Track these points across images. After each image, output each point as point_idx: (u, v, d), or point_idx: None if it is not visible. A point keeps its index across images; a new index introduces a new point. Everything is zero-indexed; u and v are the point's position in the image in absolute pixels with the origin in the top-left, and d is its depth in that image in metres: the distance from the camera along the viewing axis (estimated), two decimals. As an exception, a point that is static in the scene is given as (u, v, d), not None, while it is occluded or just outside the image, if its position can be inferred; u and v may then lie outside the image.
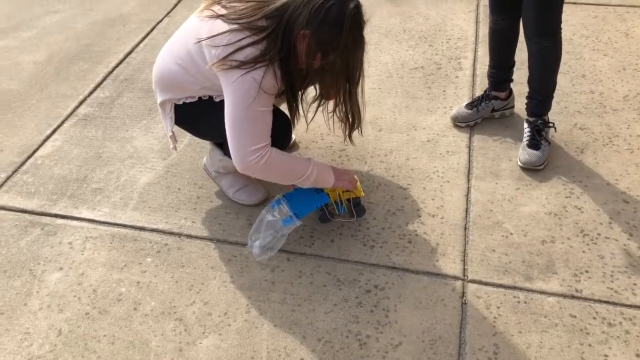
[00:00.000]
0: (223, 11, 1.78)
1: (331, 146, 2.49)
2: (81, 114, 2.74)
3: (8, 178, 2.39)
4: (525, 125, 2.40)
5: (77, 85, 2.94)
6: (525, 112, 2.42)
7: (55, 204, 2.26)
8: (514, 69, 2.52)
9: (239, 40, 1.71)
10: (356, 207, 2.10)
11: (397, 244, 2.05)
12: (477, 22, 3.29)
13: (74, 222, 2.18)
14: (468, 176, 2.31)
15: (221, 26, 1.74)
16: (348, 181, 2.01)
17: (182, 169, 2.40)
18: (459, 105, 2.59)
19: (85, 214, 2.22)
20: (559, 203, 2.18)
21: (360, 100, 1.94)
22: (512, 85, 2.57)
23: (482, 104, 2.54)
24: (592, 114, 2.59)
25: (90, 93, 2.88)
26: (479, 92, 2.72)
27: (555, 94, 2.41)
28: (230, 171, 2.19)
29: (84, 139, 2.59)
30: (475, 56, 3.01)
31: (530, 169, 2.32)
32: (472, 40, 3.13)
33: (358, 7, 1.72)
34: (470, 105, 2.55)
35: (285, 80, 1.81)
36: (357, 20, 1.72)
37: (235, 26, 1.72)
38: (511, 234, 2.07)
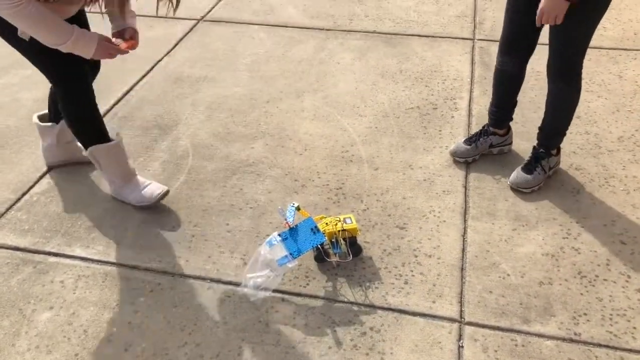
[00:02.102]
0: None
1: (327, 184, 2.49)
2: (78, 151, 2.74)
3: (2, 215, 2.38)
4: (532, 149, 2.46)
5: (75, 122, 2.95)
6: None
7: (49, 241, 2.24)
8: (516, 107, 2.55)
9: None
10: (352, 247, 2.09)
11: (393, 284, 2.03)
12: (472, 63, 3.34)
13: (67, 260, 2.16)
14: (464, 216, 2.31)
15: None
16: (106, 53, 1.99)
17: (178, 207, 2.39)
18: (458, 141, 2.61)
19: (78, 251, 2.20)
20: (556, 244, 2.16)
21: None
22: (517, 121, 2.59)
23: (481, 139, 2.57)
24: (587, 155, 2.60)
25: (88, 130, 2.89)
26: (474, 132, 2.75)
27: None
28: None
29: (80, 176, 2.58)
30: (470, 97, 3.04)
31: (518, 190, 2.39)
32: (467, 81, 3.17)
33: None
34: (468, 141, 2.58)
35: None
36: None
37: None
38: (508, 275, 2.05)
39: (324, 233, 2.03)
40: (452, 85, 3.15)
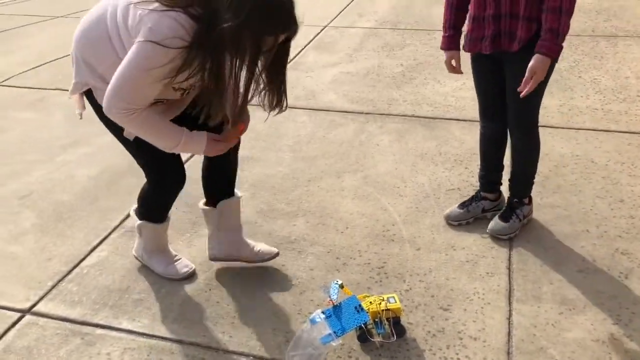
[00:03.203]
0: None
1: (369, 263, 2.51)
2: (128, 226, 2.84)
3: (54, 286, 2.45)
4: (506, 199, 2.70)
5: (124, 199, 3.08)
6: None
7: (97, 313, 2.29)
8: (503, 172, 2.75)
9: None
10: (396, 327, 2.07)
11: (438, 367, 2.00)
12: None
13: (114, 333, 2.20)
14: (509, 298, 2.28)
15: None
16: (215, 150, 2.04)
17: (222, 282, 2.43)
18: (453, 206, 2.76)
19: (125, 324, 2.23)
20: (606, 330, 2.11)
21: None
22: (559, 205, 2.60)
23: (473, 204, 2.74)
24: (634, 239, 2.57)
25: (138, 206, 3.01)
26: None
27: (594, 218, 2.44)
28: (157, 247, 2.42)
29: (129, 250, 2.66)
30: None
31: (498, 238, 2.58)
32: (507, 164, 3.21)
33: None
34: (462, 205, 2.74)
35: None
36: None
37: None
38: (557, 361, 2.00)
39: (367, 312, 2.03)
40: (491, 167, 3.19)
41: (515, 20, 2.22)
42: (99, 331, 2.21)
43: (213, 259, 2.48)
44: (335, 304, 2.03)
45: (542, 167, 3.13)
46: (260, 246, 2.48)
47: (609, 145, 3.31)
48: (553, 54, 2.18)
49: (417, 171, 3.20)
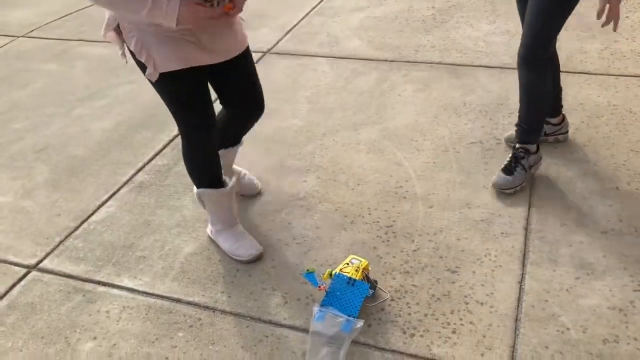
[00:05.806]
0: None
1: (377, 221, 2.40)
2: (137, 181, 2.82)
3: (61, 242, 2.47)
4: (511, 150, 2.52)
5: (137, 152, 3.05)
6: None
7: (100, 270, 2.29)
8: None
9: None
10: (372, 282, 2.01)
11: (439, 333, 1.90)
12: (542, 95, 3.15)
13: (114, 291, 2.20)
14: (523, 261, 2.14)
15: None
16: (193, 18, 1.68)
17: (226, 240, 2.38)
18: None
19: (126, 282, 2.23)
20: (625, 297, 1.96)
21: None
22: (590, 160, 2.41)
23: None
24: (667, 197, 2.36)
25: (149, 160, 2.97)
26: (540, 172, 2.58)
27: (626, 174, 2.28)
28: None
29: (137, 206, 2.64)
30: (538, 131, 2.86)
31: (500, 192, 2.44)
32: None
33: None
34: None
35: None
36: None
37: None
38: (568, 329, 1.87)
39: (363, 280, 1.94)
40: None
41: None
42: (101, 288, 2.21)
43: None
44: (326, 289, 1.94)
45: (574, 118, 2.90)
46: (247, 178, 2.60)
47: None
48: None
49: (438, 123, 3.02)
